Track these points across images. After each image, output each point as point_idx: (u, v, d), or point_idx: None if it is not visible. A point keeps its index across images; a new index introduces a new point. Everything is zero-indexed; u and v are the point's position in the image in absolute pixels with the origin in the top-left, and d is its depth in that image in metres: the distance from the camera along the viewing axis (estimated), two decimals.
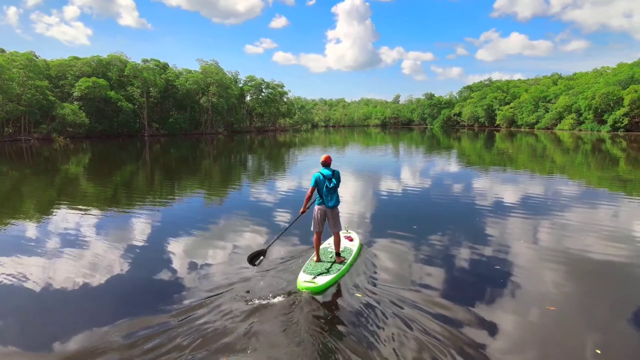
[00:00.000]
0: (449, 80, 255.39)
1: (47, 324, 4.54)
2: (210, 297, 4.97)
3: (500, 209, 10.02)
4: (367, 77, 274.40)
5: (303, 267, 5.69)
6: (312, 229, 6.02)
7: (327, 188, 5.84)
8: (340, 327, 4.30)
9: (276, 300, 4.87)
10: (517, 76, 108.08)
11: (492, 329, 4.26)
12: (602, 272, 5.85)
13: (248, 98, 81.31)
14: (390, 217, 9.52)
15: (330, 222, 5.98)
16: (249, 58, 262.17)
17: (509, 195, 11.96)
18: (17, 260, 6.48)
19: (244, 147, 39.68)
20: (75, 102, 51.52)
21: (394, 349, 3.85)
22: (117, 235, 8.03)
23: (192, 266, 6.18)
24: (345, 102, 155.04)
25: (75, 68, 55.52)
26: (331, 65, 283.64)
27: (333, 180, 5.83)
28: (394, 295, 4.96)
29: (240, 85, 79.68)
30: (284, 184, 14.75)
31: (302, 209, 5.97)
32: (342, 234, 6.65)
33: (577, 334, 4.20)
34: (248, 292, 5.11)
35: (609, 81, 60.48)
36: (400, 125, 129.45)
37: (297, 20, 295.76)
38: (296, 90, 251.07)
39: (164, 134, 60.54)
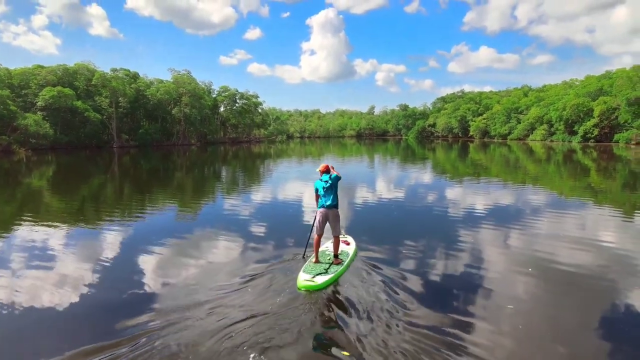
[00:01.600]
0: (421, 92, 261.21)
1: (8, 345, 4.17)
2: (197, 304, 4.98)
3: (475, 218, 10.10)
4: (341, 89, 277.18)
5: (303, 268, 5.96)
6: (314, 232, 6.46)
7: (324, 189, 6.34)
8: (339, 323, 4.57)
9: (276, 298, 5.08)
10: (487, 88, 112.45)
11: (467, 328, 4.42)
12: (578, 279, 5.90)
13: (222, 109, 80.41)
14: (379, 225, 9.38)
15: (331, 225, 6.36)
16: (223, 69, 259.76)
17: (486, 203, 12.08)
18: None
19: (217, 158, 38.95)
20: (39, 112, 49.28)
21: (382, 344, 4.09)
22: (84, 252, 7.49)
23: (168, 280, 5.80)
24: (321, 113, 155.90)
25: (40, 77, 53.25)
26: (306, 77, 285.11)
27: (329, 181, 6.31)
28: (386, 296, 5.26)
29: (214, 95, 78.79)
30: (259, 197, 14.41)
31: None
32: (340, 238, 6.95)
33: (546, 340, 4.14)
34: (245, 294, 5.28)
35: (579, 93, 62.28)
36: (375, 136, 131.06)
37: (272, 32, 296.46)
38: (271, 101, 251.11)
39: (134, 146, 58.75)
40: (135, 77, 65.11)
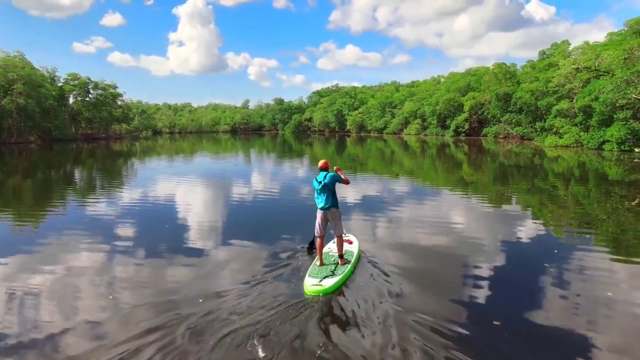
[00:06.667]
0: (293, 86, 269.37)
1: None
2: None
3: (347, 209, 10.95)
4: (213, 82, 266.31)
5: (308, 272, 5.80)
6: (315, 233, 6.27)
7: (316, 190, 6.20)
8: (350, 330, 4.44)
9: (284, 307, 4.86)
10: (354, 84, 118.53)
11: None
12: (435, 255, 6.98)
13: (71, 100, 69.15)
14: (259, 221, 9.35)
15: (332, 225, 6.25)
16: (79, 58, 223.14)
17: (357, 196, 13.18)
18: None
19: (66, 158, 33.46)
20: None
21: (397, 347, 4.10)
22: None
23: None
24: (192, 107, 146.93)
25: None
26: (175, 69, 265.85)
27: (322, 182, 6.11)
28: (399, 294, 5.33)
29: (60, 84, 67.28)
30: (123, 198, 13.02)
31: None
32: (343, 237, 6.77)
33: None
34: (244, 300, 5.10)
35: (450, 88, 66.05)
36: (251, 131, 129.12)
37: (135, 19, 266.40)
38: (137, 94, 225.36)
39: None
40: None
